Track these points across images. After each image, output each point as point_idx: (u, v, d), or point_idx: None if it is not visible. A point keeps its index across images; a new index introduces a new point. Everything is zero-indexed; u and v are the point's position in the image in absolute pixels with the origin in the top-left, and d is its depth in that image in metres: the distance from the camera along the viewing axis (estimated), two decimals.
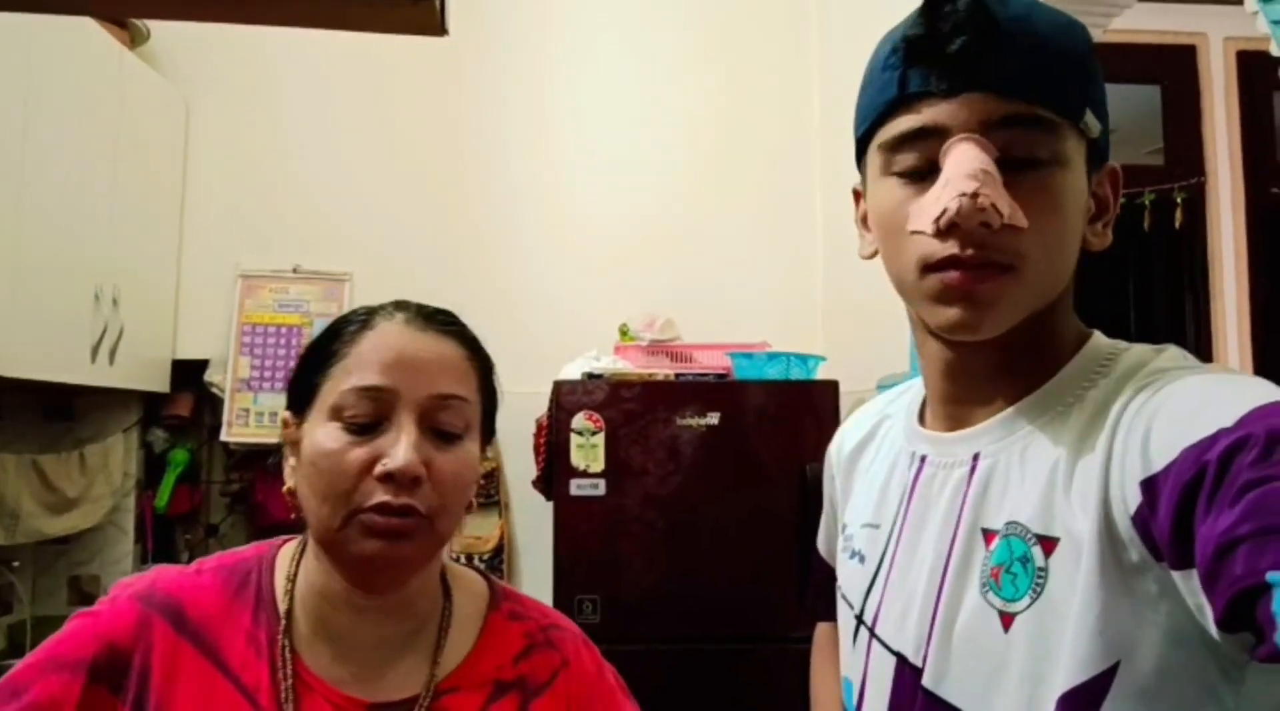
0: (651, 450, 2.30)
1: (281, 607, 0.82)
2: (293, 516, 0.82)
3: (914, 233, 0.68)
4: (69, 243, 2.26)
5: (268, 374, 2.76)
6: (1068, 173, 0.67)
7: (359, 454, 0.76)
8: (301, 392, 0.82)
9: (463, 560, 2.27)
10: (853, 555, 0.86)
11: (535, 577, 2.64)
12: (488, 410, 0.87)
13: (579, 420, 2.30)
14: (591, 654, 0.93)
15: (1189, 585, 0.55)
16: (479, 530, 2.80)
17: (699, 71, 3.04)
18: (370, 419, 0.77)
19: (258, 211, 2.87)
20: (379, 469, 0.75)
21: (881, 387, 2.20)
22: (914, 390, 0.87)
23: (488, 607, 0.90)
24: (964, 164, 0.64)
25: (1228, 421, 0.54)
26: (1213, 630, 0.54)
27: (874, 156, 0.73)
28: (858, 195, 0.81)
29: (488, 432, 0.88)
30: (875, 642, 0.78)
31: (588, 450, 2.29)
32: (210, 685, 0.78)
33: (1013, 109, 0.65)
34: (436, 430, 0.79)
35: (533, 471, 2.60)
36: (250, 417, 2.72)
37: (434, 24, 0.55)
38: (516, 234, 2.95)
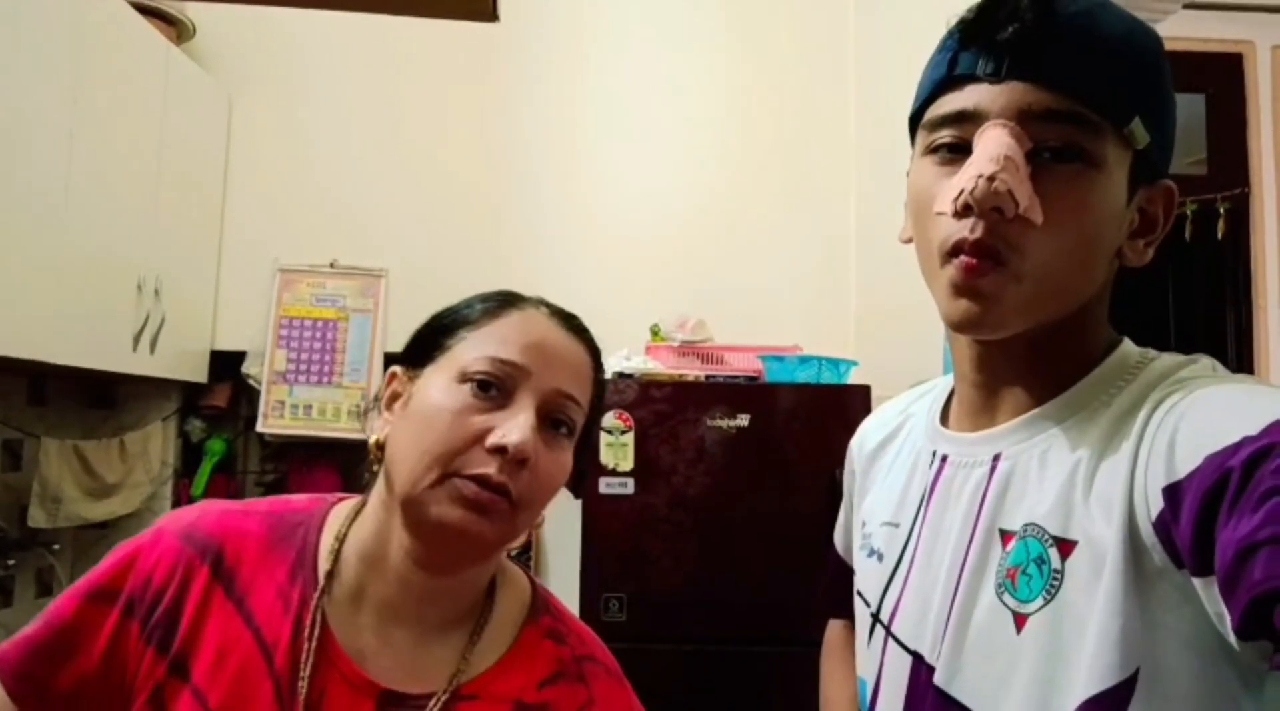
0: (681, 450, 2.30)
1: (323, 568, 0.79)
2: (375, 468, 0.81)
3: (938, 214, 0.68)
4: (113, 234, 2.30)
5: (304, 367, 2.79)
6: (1100, 177, 0.65)
7: (476, 420, 0.74)
8: (425, 349, 0.81)
9: None
10: (870, 553, 0.85)
11: (563, 575, 2.66)
12: (586, 426, 0.85)
13: (609, 419, 2.31)
14: (624, 696, 0.87)
15: (1209, 592, 0.55)
16: None
17: (732, 72, 3.04)
18: (497, 388, 0.77)
19: (297, 207, 2.91)
20: (491, 440, 0.73)
21: None
22: (938, 389, 0.87)
23: (526, 617, 0.86)
24: (990, 148, 0.64)
25: (1253, 429, 0.54)
26: (1232, 638, 0.53)
27: (919, 136, 0.73)
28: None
29: (581, 452, 0.85)
30: (891, 641, 0.78)
31: (617, 449, 2.30)
32: (232, 632, 0.76)
33: (1054, 103, 0.64)
34: (549, 424, 0.78)
35: None
36: (285, 409, 2.76)
37: (485, 9, 0.55)
38: (550, 233, 2.96)
